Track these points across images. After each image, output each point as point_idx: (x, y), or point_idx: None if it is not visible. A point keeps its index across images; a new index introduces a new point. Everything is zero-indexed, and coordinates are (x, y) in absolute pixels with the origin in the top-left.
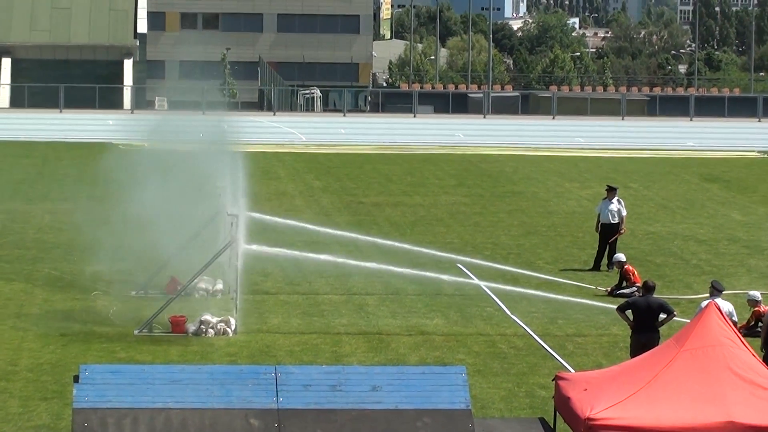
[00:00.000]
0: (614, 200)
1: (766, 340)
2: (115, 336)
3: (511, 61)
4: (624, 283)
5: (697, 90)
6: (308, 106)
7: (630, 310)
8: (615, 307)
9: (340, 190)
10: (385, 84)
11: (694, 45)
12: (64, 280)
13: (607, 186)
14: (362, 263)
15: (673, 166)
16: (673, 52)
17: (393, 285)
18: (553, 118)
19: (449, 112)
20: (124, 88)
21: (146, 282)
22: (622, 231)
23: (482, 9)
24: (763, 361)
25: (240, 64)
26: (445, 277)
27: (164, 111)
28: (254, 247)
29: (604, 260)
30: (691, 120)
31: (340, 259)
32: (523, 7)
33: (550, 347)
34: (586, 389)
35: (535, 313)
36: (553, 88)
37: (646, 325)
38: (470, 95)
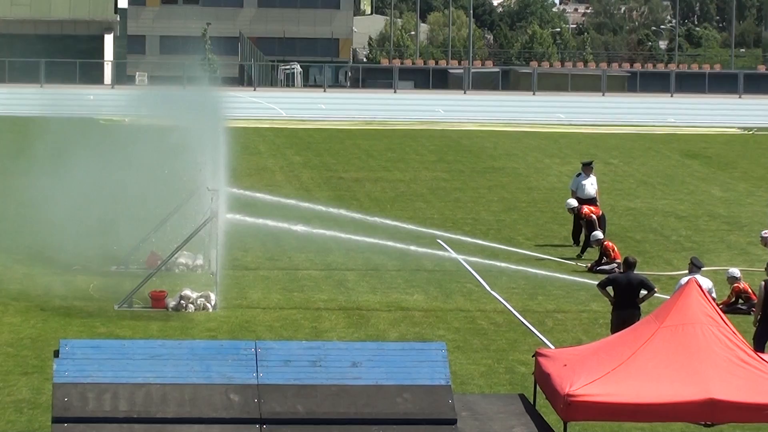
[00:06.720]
0: (591, 175)
1: (764, 316)
2: (96, 311)
3: (492, 37)
4: (604, 259)
5: (678, 66)
6: (288, 82)
7: (611, 287)
8: (595, 283)
9: (321, 166)
10: (365, 59)
11: (674, 21)
12: (45, 255)
13: (586, 162)
14: (343, 235)
15: (653, 142)
16: (653, 27)
17: (373, 260)
18: (534, 93)
19: (429, 87)
20: (105, 62)
21: (126, 257)
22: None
23: None
24: (756, 336)
25: (220, 39)
26: (425, 251)
27: (145, 86)
28: (237, 216)
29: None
30: (671, 96)
31: (328, 232)
32: None
33: (530, 323)
34: (565, 365)
35: (515, 289)
36: (534, 64)
37: (626, 301)
38: (450, 71)
